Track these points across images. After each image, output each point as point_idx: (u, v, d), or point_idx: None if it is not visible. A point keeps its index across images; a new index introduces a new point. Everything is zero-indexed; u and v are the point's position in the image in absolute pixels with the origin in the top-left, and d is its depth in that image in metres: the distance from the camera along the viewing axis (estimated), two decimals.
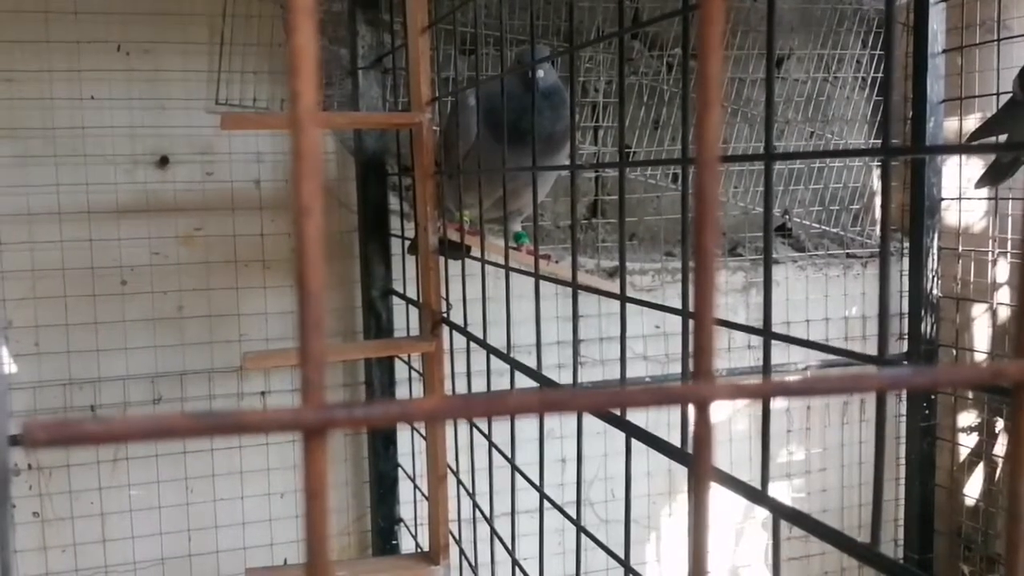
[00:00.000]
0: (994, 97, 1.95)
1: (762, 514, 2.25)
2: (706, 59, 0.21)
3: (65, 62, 1.77)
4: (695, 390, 0.20)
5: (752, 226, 2.27)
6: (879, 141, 2.30)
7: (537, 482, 1.05)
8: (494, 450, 1.21)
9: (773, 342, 0.57)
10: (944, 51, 2.05)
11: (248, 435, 0.18)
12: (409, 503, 1.86)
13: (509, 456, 1.14)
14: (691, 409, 0.21)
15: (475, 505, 1.33)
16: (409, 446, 1.80)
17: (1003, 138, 1.72)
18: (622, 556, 0.82)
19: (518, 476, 1.12)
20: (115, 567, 1.86)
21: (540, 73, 1.32)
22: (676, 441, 0.71)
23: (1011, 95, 1.62)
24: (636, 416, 0.77)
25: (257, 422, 0.18)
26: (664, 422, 2.06)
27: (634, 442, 0.80)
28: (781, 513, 0.54)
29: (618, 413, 0.79)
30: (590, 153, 2.12)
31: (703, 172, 0.20)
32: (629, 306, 0.80)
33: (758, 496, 0.57)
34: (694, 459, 0.21)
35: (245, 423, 0.18)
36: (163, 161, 1.84)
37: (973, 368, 0.21)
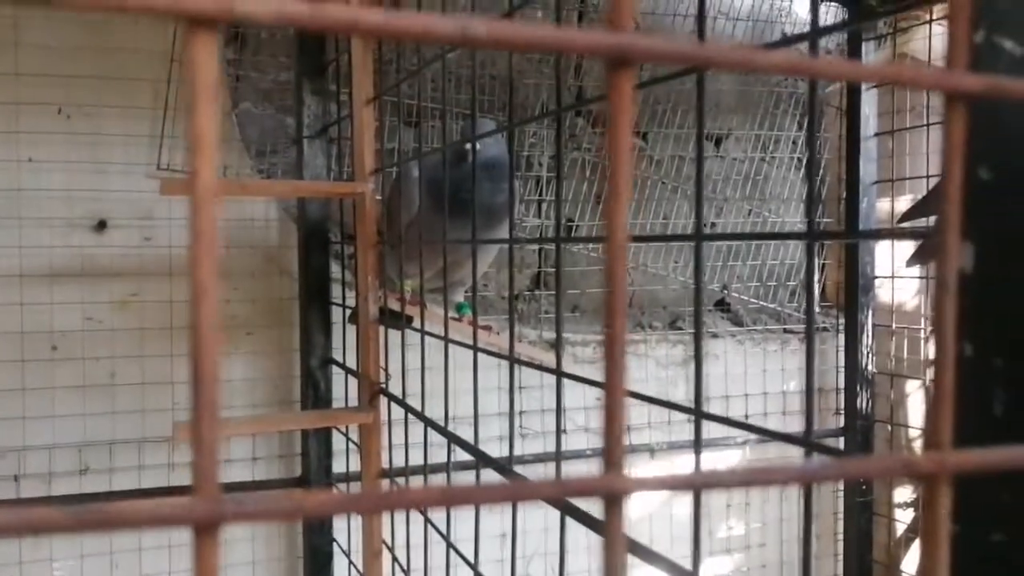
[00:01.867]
0: (924, 179, 2.01)
1: None
2: (616, 146, 0.21)
3: (3, 123, 1.75)
4: (604, 483, 0.19)
5: (692, 300, 2.30)
6: (816, 219, 2.36)
7: (472, 559, 1.03)
8: (430, 526, 1.19)
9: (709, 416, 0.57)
10: (876, 134, 2.12)
11: (130, 530, 0.17)
12: None
13: (445, 533, 1.12)
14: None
15: None
16: (345, 521, 1.76)
17: (933, 220, 1.77)
18: None
19: (454, 552, 1.10)
20: None
21: (477, 147, 1.33)
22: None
23: (940, 178, 1.67)
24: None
25: (139, 516, 0.17)
26: None
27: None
28: None
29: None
30: (534, 225, 2.14)
31: (612, 257, 0.20)
32: (564, 386, 0.79)
33: None
34: (604, 559, 0.20)
35: (126, 518, 0.17)
36: (101, 225, 1.81)
37: (884, 459, 0.21)
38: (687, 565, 0.60)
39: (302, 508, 0.18)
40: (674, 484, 0.20)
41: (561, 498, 0.18)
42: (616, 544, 0.20)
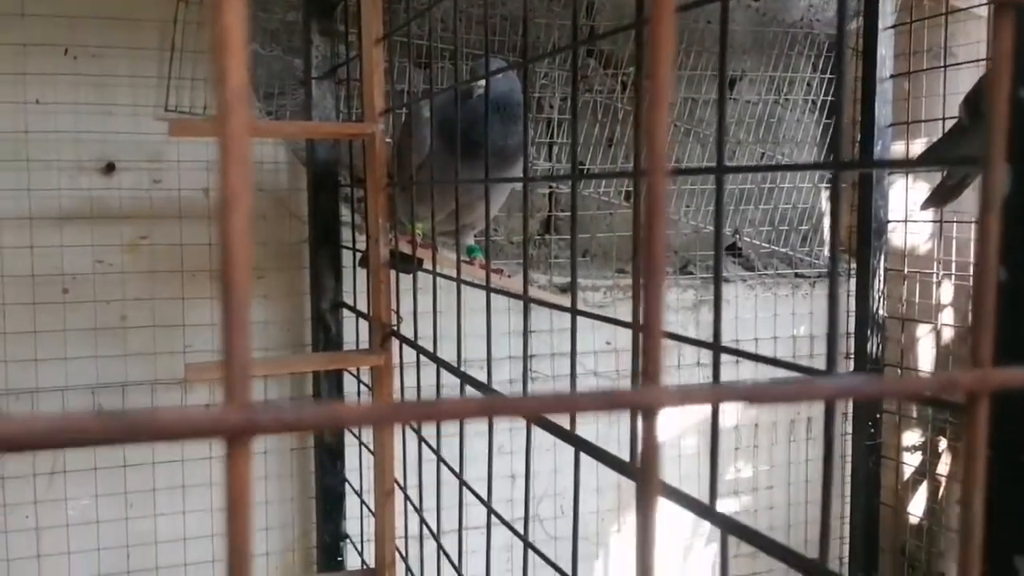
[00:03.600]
0: (940, 122, 1.99)
1: (710, 531, 2.25)
2: (657, 53, 0.20)
3: (10, 65, 1.73)
4: (643, 396, 0.19)
5: (703, 245, 2.29)
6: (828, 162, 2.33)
7: (485, 498, 1.03)
8: (442, 465, 1.20)
9: (722, 361, 0.56)
10: (892, 76, 2.09)
11: (165, 440, 0.17)
12: (355, 519, 1.83)
13: (457, 471, 1.13)
14: (639, 419, 0.20)
15: (422, 521, 1.31)
16: (356, 461, 1.77)
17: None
18: (570, 573, 0.81)
19: (466, 492, 1.11)
20: None
21: (479, 89, 1.31)
22: (625, 457, 0.70)
23: (957, 120, 1.65)
24: (585, 431, 0.77)
25: (174, 425, 0.16)
26: (614, 437, 2.06)
27: (583, 458, 0.79)
28: (729, 528, 0.54)
29: (567, 427, 0.78)
30: (544, 169, 2.12)
31: (654, 161, 0.19)
32: (580, 322, 0.79)
33: (706, 511, 0.56)
34: (641, 468, 0.20)
35: (161, 427, 0.16)
36: (109, 167, 1.80)
37: (923, 378, 0.21)
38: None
39: (339, 418, 0.17)
40: (717, 396, 0.19)
41: (603, 410, 0.18)
42: (653, 456, 0.19)
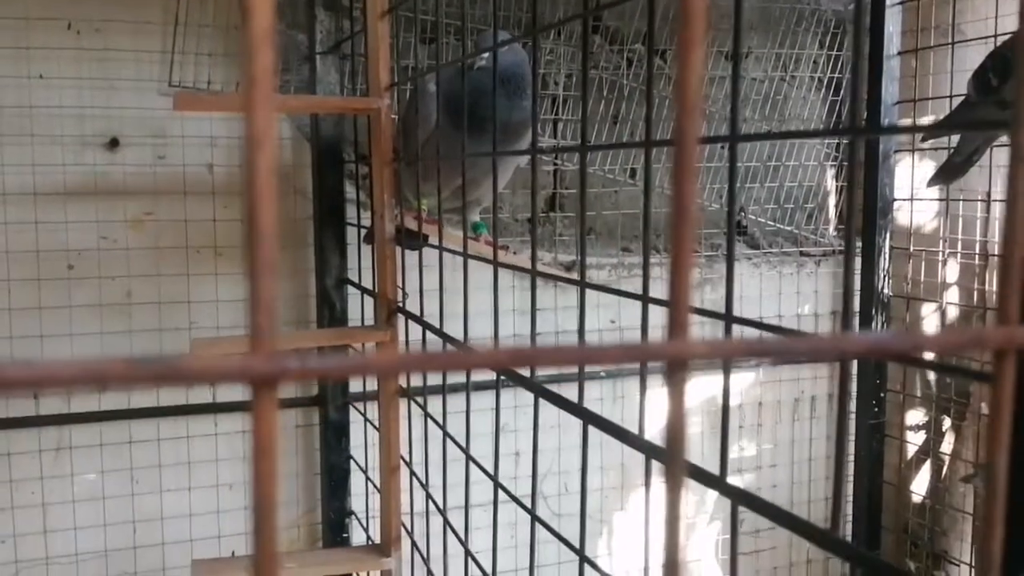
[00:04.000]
0: (948, 100, 1.98)
1: (713, 508, 2.26)
2: (689, 18, 0.20)
3: (13, 39, 1.72)
4: (671, 347, 0.19)
5: (708, 223, 2.28)
6: (834, 141, 2.33)
7: (492, 474, 1.03)
8: (448, 442, 1.20)
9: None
10: (899, 53, 2.08)
11: (192, 384, 0.16)
12: (360, 496, 1.84)
13: (464, 447, 1.13)
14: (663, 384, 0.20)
15: (428, 497, 1.31)
16: (362, 438, 1.78)
17: (955, 139, 1.74)
18: (577, 546, 0.81)
19: (472, 469, 1.11)
20: (57, 559, 1.81)
21: (481, 61, 1.30)
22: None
23: (965, 97, 1.64)
24: (592, 407, 0.77)
25: (202, 370, 0.16)
26: (618, 419, 2.06)
27: (589, 436, 0.79)
28: (740, 499, 0.54)
29: (576, 400, 0.78)
30: (549, 145, 2.11)
31: (686, 105, 0.19)
32: (585, 300, 0.79)
33: (715, 481, 0.56)
34: (668, 426, 0.20)
35: (188, 371, 0.16)
36: (113, 143, 1.80)
37: (954, 333, 0.20)
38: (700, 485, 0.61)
39: (368, 366, 0.17)
40: (744, 349, 0.19)
41: (628, 361, 0.17)
42: (679, 409, 0.19)
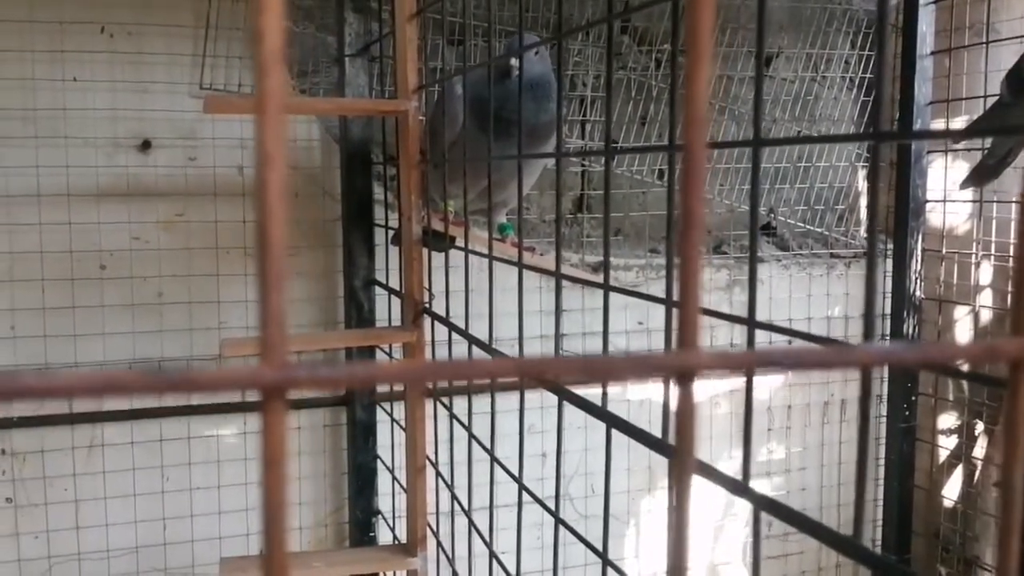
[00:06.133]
0: (981, 100, 1.95)
1: (741, 511, 2.25)
2: (695, 21, 0.20)
3: (48, 43, 1.75)
4: (679, 360, 0.19)
5: (737, 224, 2.27)
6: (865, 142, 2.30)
7: (516, 475, 1.04)
8: (474, 443, 1.20)
9: (756, 341, 0.56)
10: (933, 53, 2.05)
11: (201, 393, 0.17)
12: (387, 495, 1.85)
13: (489, 448, 1.13)
14: (673, 391, 0.20)
15: (454, 497, 1.31)
16: (388, 438, 1.79)
17: (988, 140, 1.72)
18: (600, 550, 0.81)
19: (497, 470, 1.11)
20: (89, 554, 1.84)
21: (514, 63, 1.30)
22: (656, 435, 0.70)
23: (998, 97, 1.62)
24: (617, 409, 0.76)
25: (211, 380, 0.16)
26: (644, 420, 2.06)
27: (615, 437, 0.79)
28: (763, 505, 0.54)
29: (599, 404, 0.78)
30: (576, 147, 2.11)
31: (694, 114, 0.19)
32: (612, 302, 0.79)
33: (739, 488, 0.56)
34: (677, 436, 0.20)
35: (198, 381, 0.16)
36: (145, 145, 1.82)
37: (967, 345, 0.20)
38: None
39: (372, 375, 0.17)
40: (754, 361, 0.19)
41: (639, 375, 0.18)
42: (689, 420, 0.19)
